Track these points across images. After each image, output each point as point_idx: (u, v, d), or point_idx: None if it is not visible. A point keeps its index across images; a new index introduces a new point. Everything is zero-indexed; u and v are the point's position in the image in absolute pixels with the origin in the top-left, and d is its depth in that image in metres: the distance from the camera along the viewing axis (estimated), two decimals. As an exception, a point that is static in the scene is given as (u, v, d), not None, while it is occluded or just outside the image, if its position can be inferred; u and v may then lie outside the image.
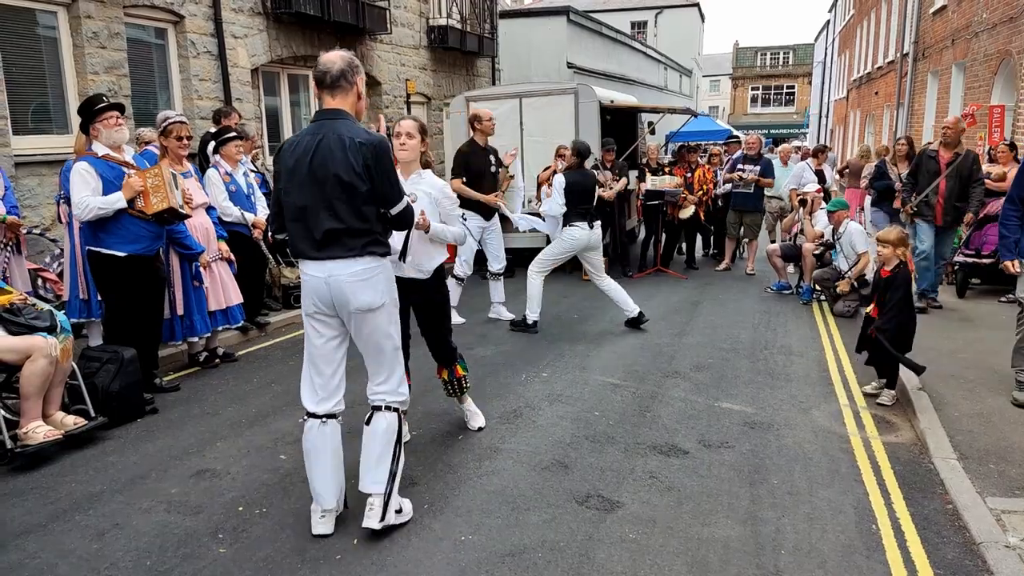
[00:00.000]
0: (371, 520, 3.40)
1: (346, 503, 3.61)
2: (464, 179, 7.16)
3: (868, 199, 11.32)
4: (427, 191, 4.14)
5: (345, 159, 3.16)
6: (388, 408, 3.47)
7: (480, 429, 4.70)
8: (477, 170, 7.24)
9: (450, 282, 6.48)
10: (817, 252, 8.31)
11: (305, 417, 3.47)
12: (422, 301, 4.29)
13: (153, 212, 5.00)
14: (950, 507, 3.74)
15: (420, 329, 4.41)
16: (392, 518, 3.46)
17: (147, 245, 5.12)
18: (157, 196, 4.99)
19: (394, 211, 3.32)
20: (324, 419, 3.44)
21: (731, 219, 10.47)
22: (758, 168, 10.11)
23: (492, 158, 7.38)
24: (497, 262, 7.59)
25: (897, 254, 5.14)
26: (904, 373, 5.29)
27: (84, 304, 5.77)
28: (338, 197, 3.19)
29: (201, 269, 5.80)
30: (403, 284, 3.98)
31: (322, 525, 3.48)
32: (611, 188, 9.54)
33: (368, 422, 3.48)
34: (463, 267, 7.49)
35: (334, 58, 3.27)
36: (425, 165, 4.18)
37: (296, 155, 3.23)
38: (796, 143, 13.80)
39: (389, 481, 3.43)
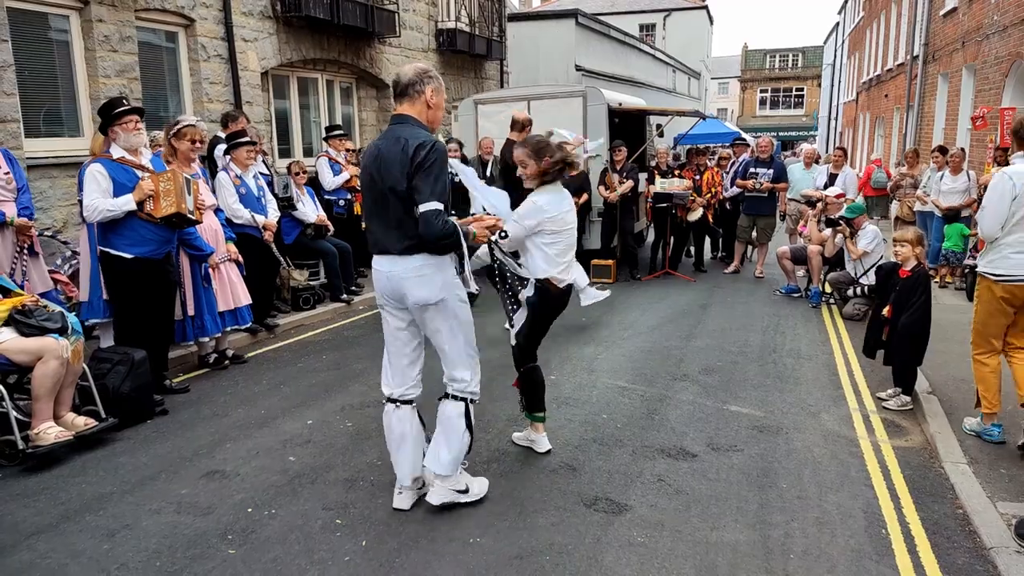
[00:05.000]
0: (432, 497, 3.67)
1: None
2: None
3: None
4: None
5: (397, 158, 3.32)
6: (455, 397, 3.65)
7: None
8: None
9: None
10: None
11: (384, 401, 3.72)
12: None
13: (162, 216, 5.02)
14: (960, 512, 3.73)
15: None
16: (453, 497, 3.70)
17: (155, 248, 5.15)
18: (167, 200, 5.01)
19: (420, 208, 3.29)
20: (397, 403, 3.67)
21: (744, 223, 10.41)
22: (771, 172, 10.07)
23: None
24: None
25: (915, 254, 5.12)
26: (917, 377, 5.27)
27: (107, 304, 5.76)
28: (392, 196, 3.36)
29: (210, 270, 5.83)
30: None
31: (399, 499, 3.75)
32: (614, 191, 9.54)
33: (441, 400, 3.72)
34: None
35: (408, 69, 3.53)
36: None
37: (368, 157, 3.51)
38: (804, 145, 13.67)
39: (451, 464, 3.65)
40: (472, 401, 3.69)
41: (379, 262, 3.53)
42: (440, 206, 3.29)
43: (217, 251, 5.92)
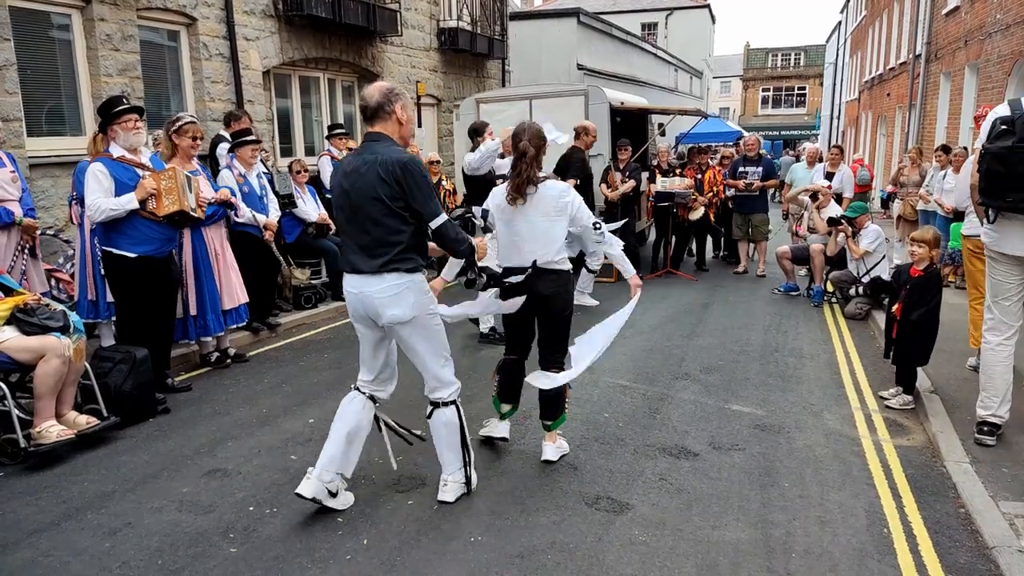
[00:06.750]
0: (446, 495, 3.79)
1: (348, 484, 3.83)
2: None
3: None
4: None
5: (376, 176, 3.34)
6: (444, 404, 3.73)
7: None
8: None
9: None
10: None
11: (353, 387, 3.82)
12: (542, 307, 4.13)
13: (164, 214, 5.03)
14: (962, 511, 3.72)
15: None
16: (462, 490, 3.85)
17: (158, 247, 5.15)
18: (169, 198, 5.02)
19: (432, 225, 3.44)
20: (366, 395, 3.79)
21: (737, 221, 10.48)
22: (760, 170, 10.11)
23: None
24: None
25: (931, 255, 5.10)
26: (919, 376, 5.26)
27: (92, 305, 5.79)
28: (368, 214, 3.38)
29: (215, 258, 5.84)
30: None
31: (305, 485, 3.60)
32: (617, 190, 9.53)
33: (429, 416, 3.77)
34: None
35: (372, 91, 3.49)
36: None
37: (341, 174, 3.48)
38: (807, 144, 13.66)
39: (463, 465, 3.81)
40: (458, 400, 3.79)
41: (350, 282, 3.51)
42: (446, 217, 3.46)
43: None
